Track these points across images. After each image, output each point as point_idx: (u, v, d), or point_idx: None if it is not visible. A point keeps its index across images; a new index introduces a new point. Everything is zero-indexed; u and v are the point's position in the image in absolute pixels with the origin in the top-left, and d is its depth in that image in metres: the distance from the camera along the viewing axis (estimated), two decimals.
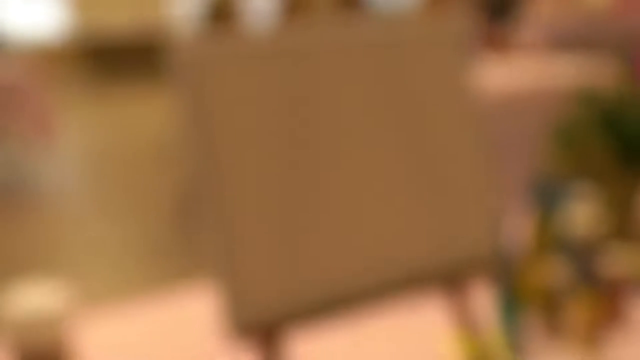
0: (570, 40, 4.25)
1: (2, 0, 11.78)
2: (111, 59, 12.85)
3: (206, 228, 0.97)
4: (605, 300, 1.21)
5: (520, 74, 3.41)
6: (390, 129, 1.08)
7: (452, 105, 1.13)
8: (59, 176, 5.61)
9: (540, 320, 1.21)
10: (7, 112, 5.42)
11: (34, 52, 12.43)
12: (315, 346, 1.24)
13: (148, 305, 1.41)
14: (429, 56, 1.12)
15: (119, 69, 12.78)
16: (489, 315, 1.30)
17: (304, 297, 1.02)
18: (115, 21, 12.73)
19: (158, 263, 3.77)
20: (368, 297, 1.06)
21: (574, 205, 1.23)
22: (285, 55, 1.03)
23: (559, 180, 1.27)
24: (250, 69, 1.00)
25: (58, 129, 5.55)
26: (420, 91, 1.11)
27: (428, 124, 1.11)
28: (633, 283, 1.33)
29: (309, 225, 1.02)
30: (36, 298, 1.03)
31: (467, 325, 1.14)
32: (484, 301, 1.36)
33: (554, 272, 1.21)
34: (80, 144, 6.76)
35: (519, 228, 1.30)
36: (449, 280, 1.12)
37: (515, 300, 1.16)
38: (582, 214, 1.21)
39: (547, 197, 1.26)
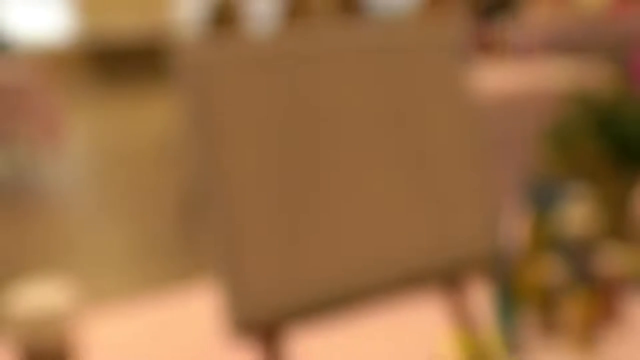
0: (565, 43, 4.25)
1: (8, 3, 11.79)
2: (116, 62, 12.85)
3: (208, 228, 0.98)
4: (601, 299, 1.22)
5: (516, 76, 3.42)
6: (388, 130, 1.09)
7: (449, 107, 1.14)
8: (65, 178, 5.62)
9: (537, 318, 1.22)
10: (14, 114, 5.43)
11: (40, 55, 12.44)
12: (315, 344, 1.25)
13: (151, 304, 1.42)
14: (426, 59, 1.13)
15: (124, 71, 12.78)
16: (486, 314, 1.30)
17: (304, 296, 1.02)
18: (120, 25, 12.73)
19: (161, 263, 3.78)
20: (366, 296, 1.07)
21: (570, 205, 1.23)
22: (286, 58, 1.04)
23: (555, 181, 1.28)
24: (253, 72, 1.01)
25: (64, 131, 5.56)
26: (418, 94, 1.12)
27: (426, 125, 1.12)
28: (628, 282, 1.33)
29: (309, 226, 1.03)
30: (41, 297, 1.03)
31: (464, 323, 1.15)
32: (481, 300, 1.36)
33: (550, 271, 1.21)
34: (86, 146, 6.77)
35: (515, 228, 1.31)
36: (446, 279, 1.13)
37: (512, 299, 1.16)
38: (578, 213, 1.22)
39: (542, 198, 1.27)
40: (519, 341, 1.17)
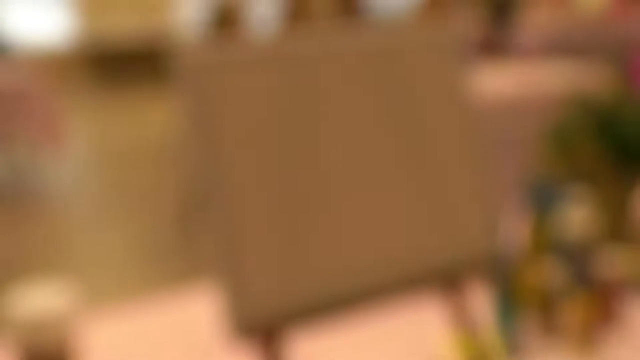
0: (564, 45, 4.25)
1: (9, 6, 11.80)
2: (117, 64, 12.86)
3: (208, 229, 0.98)
4: (600, 301, 1.22)
5: (516, 78, 3.42)
6: (389, 132, 1.10)
7: (449, 109, 1.14)
8: (65, 180, 5.62)
9: (536, 320, 1.22)
10: (14, 117, 5.43)
11: (40, 58, 12.45)
12: (315, 346, 1.25)
13: (151, 306, 1.42)
14: (426, 62, 1.13)
15: (125, 74, 12.79)
16: (486, 315, 1.31)
17: (304, 298, 1.02)
18: (120, 27, 12.74)
19: (161, 265, 3.78)
20: (366, 297, 1.07)
21: (569, 207, 1.23)
22: (286, 61, 1.04)
23: (555, 183, 1.28)
24: (253, 74, 1.02)
25: (65, 134, 5.57)
26: (418, 96, 1.12)
27: (426, 127, 1.13)
28: (628, 284, 1.34)
29: (310, 227, 1.03)
30: (41, 299, 1.03)
31: (464, 325, 1.15)
32: (481, 302, 1.36)
33: (550, 274, 1.22)
34: (86, 148, 6.78)
35: (515, 230, 1.31)
36: (446, 281, 1.13)
37: (511, 301, 1.17)
38: (577, 215, 1.22)
39: (542, 200, 1.27)
40: (519, 343, 1.17)
